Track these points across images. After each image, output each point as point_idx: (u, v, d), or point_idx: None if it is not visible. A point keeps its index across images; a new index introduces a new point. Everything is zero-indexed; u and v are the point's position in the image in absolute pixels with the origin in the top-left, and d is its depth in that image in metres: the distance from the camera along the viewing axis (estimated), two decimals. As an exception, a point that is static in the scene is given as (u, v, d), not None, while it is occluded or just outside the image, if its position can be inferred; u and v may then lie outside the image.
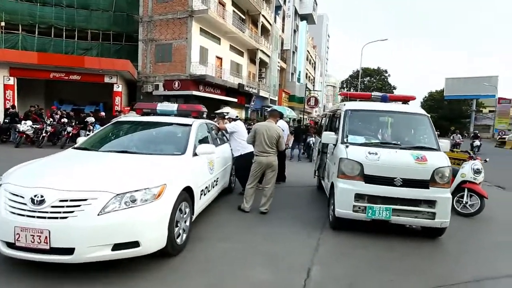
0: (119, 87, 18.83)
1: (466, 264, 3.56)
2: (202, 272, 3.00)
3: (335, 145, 4.51)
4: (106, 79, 18.52)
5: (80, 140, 4.22)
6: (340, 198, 4.00)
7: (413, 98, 5.15)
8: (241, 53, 27.53)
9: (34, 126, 11.63)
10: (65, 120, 12.94)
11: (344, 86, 43.66)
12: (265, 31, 30.29)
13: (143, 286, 2.69)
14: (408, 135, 4.59)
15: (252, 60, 29.40)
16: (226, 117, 6.03)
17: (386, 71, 42.33)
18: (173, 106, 4.97)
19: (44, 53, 18.87)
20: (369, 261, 3.44)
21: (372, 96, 5.20)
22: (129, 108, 12.61)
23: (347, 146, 4.14)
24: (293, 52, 38.23)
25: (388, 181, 3.86)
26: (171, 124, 4.48)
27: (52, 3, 22.09)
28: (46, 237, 2.48)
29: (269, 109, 7.54)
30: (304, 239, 3.94)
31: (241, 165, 5.60)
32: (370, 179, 3.90)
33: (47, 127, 11.60)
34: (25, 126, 11.42)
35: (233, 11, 23.98)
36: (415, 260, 3.53)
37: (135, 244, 2.67)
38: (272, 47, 31.60)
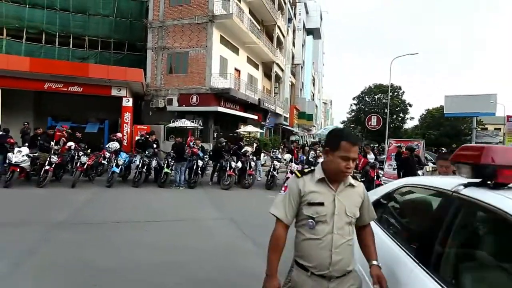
0: (128, 102, 15.57)
1: None
2: None
3: None
4: (114, 92, 15.25)
5: None
6: None
7: None
8: (256, 66, 25.00)
9: (32, 154, 8.20)
10: (72, 144, 9.53)
11: (356, 103, 41.71)
12: (278, 44, 28.07)
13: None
14: None
15: (266, 74, 26.92)
16: None
17: (400, 88, 40.57)
18: None
19: (38, 59, 15.49)
20: None
21: None
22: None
23: None
24: (301, 67, 36.24)
25: None
26: None
27: (44, 6, 18.82)
28: None
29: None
30: None
31: None
32: None
33: (52, 156, 8.12)
34: (19, 155, 7.95)
35: (249, 19, 21.53)
36: None
37: None
38: (285, 60, 29.35)
